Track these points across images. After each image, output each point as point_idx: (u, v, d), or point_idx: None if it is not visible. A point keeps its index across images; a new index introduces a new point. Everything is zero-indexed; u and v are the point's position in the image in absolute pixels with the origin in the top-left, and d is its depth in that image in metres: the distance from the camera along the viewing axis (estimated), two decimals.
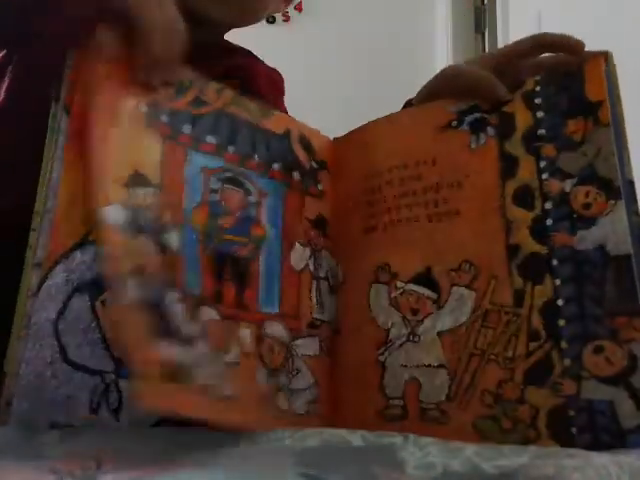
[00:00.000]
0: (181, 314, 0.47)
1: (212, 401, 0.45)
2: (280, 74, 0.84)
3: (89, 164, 0.46)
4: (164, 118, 0.51)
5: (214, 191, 0.53)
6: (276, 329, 0.55)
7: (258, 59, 0.82)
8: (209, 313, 0.50)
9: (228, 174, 0.54)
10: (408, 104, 0.66)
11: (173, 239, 0.49)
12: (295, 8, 2.54)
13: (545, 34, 0.56)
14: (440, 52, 2.41)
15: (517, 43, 0.58)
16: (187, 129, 0.53)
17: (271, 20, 2.52)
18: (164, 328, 0.45)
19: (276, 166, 0.58)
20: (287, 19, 2.53)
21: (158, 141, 0.50)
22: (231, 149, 0.55)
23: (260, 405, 0.51)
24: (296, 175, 0.59)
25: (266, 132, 0.58)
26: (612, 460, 0.36)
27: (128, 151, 0.48)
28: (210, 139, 0.54)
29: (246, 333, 0.52)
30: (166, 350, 0.44)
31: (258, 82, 0.78)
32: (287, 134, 0.60)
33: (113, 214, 0.45)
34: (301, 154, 0.60)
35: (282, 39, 2.39)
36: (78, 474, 0.35)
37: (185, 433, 0.45)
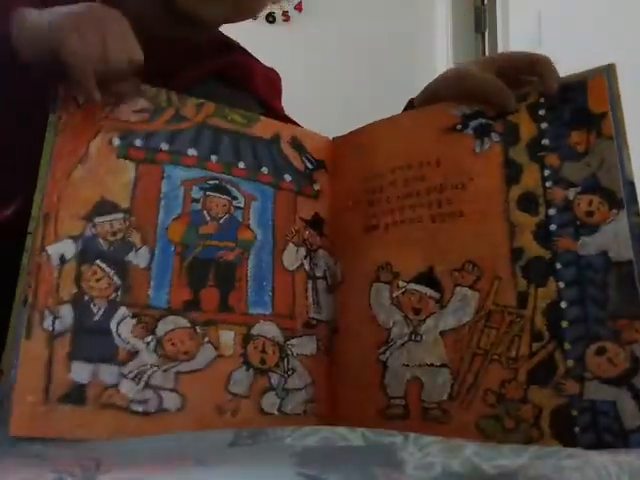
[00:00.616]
0: (129, 330, 0.49)
1: (126, 417, 0.47)
2: (277, 73, 0.84)
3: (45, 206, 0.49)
4: (138, 143, 0.54)
5: (196, 200, 0.55)
6: (269, 329, 0.55)
7: (254, 57, 0.82)
8: (177, 322, 0.51)
9: (212, 182, 0.56)
10: (410, 104, 0.66)
11: (140, 257, 0.51)
12: (295, 8, 2.53)
13: (546, 62, 0.56)
14: (440, 52, 2.41)
15: (516, 58, 0.58)
16: (165, 146, 0.55)
17: (271, 20, 2.52)
18: (94, 349, 0.48)
19: (264, 170, 0.59)
20: (287, 19, 2.52)
21: (131, 167, 0.53)
22: (214, 158, 0.57)
23: (213, 414, 0.51)
24: (287, 177, 0.60)
25: (252, 139, 0.59)
26: (612, 460, 0.36)
27: (93, 184, 0.51)
28: (191, 152, 0.56)
29: (228, 335, 0.53)
30: (79, 373, 0.46)
31: (255, 81, 0.77)
32: (276, 138, 0.61)
33: (60, 249, 0.49)
34: (293, 156, 0.61)
35: (282, 39, 2.38)
36: (78, 474, 0.35)
37: (184, 433, 0.44)
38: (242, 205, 0.57)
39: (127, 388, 0.48)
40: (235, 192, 0.57)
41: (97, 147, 0.52)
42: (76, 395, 0.46)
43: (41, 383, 0.45)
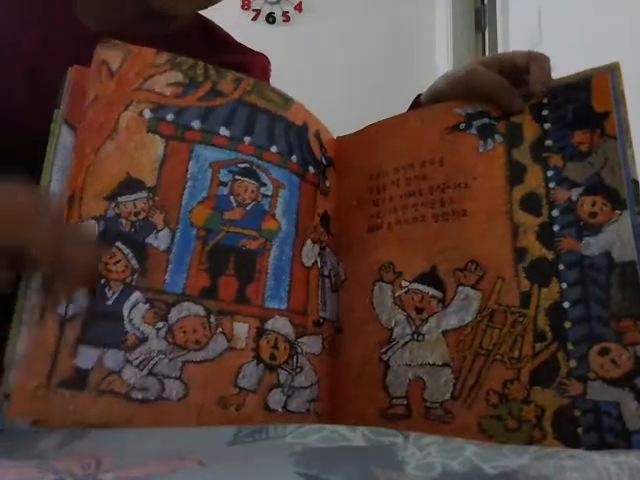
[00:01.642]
0: (140, 315, 0.48)
1: (122, 404, 0.46)
2: (267, 58, 0.81)
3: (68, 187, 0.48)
4: (170, 117, 0.52)
5: (223, 184, 0.53)
6: (282, 325, 0.54)
7: (243, 47, 0.79)
8: (191, 309, 0.50)
9: (242, 165, 0.54)
10: (416, 102, 0.66)
11: (161, 240, 0.50)
12: (295, 8, 2.54)
13: (540, 60, 0.55)
14: (440, 52, 2.42)
15: (515, 57, 0.58)
16: (196, 124, 0.52)
17: (271, 20, 2.52)
18: (103, 334, 0.47)
19: (294, 158, 0.57)
20: (287, 19, 2.53)
21: (160, 143, 0.51)
22: (247, 140, 0.54)
23: (216, 407, 0.50)
24: (311, 169, 0.58)
25: (287, 122, 0.57)
26: (612, 460, 0.36)
27: (121, 159, 0.50)
28: (223, 131, 0.53)
29: (242, 328, 0.52)
30: (85, 358, 0.46)
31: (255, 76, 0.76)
32: (305, 126, 0.59)
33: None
34: (316, 148, 0.60)
35: (282, 39, 2.39)
36: (78, 473, 0.35)
37: (185, 433, 0.44)
38: (270, 193, 0.55)
39: (129, 374, 0.47)
40: (264, 178, 0.54)
41: (127, 120, 0.50)
42: (77, 381, 0.46)
43: (45, 368, 0.45)
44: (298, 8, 2.52)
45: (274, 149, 0.55)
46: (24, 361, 0.45)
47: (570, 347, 0.47)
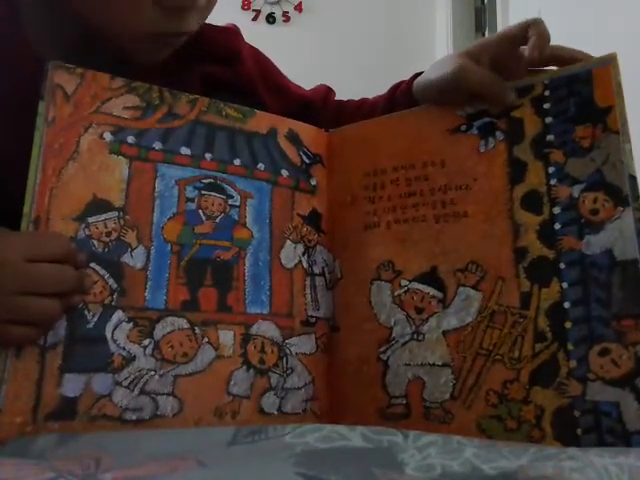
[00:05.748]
0: (125, 335, 0.49)
1: (116, 428, 0.46)
2: (262, 53, 0.77)
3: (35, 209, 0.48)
4: (131, 139, 0.53)
5: (190, 200, 0.54)
6: (267, 329, 0.55)
7: (239, 45, 0.74)
8: (175, 323, 0.51)
9: (206, 181, 0.55)
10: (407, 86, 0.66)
11: (136, 258, 0.51)
12: (295, 8, 2.54)
13: (535, 24, 0.56)
14: (440, 52, 2.41)
15: (508, 35, 0.58)
16: (157, 145, 0.54)
17: (271, 20, 2.52)
18: (87, 359, 0.47)
19: (261, 166, 0.58)
20: (287, 19, 2.53)
21: (124, 163, 0.52)
22: (208, 156, 0.56)
23: (212, 417, 0.51)
24: (284, 172, 0.60)
25: (248, 134, 0.59)
26: (612, 461, 0.36)
27: (85, 181, 0.50)
28: (185, 150, 0.55)
29: (228, 335, 0.53)
30: (70, 386, 0.46)
31: (247, 72, 0.73)
32: (272, 132, 0.60)
33: None
34: (290, 150, 0.61)
35: (282, 39, 2.39)
36: (78, 473, 0.35)
37: (184, 432, 0.44)
38: (238, 203, 0.56)
39: (120, 396, 0.47)
40: (230, 190, 0.56)
41: (88, 142, 0.51)
42: (65, 411, 0.45)
43: (30, 402, 0.45)
44: (298, 8, 2.52)
45: (237, 162, 0.57)
46: (7, 399, 0.44)
47: (570, 347, 0.47)
